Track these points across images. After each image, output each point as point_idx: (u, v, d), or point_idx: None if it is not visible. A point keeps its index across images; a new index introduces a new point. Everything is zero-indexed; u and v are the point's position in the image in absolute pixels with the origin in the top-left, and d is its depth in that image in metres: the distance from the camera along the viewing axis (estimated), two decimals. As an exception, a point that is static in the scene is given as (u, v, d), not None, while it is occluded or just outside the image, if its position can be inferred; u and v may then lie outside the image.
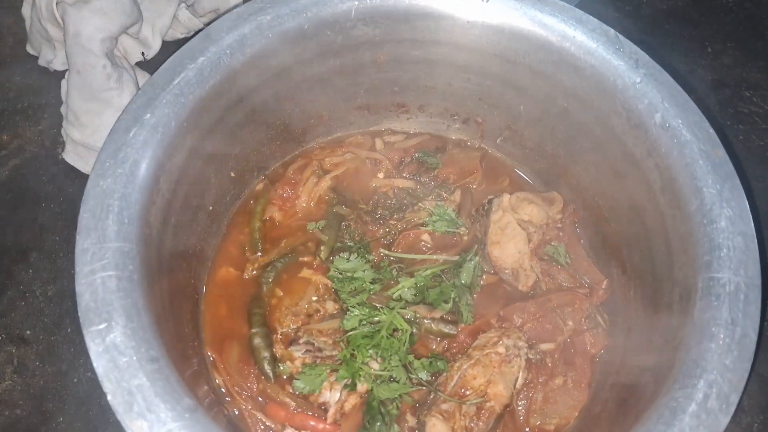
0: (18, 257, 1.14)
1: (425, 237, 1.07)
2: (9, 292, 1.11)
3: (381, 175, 1.14)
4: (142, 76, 1.23)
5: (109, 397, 0.67)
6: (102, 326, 0.69)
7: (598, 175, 0.98)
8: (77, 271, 0.72)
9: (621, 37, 0.89)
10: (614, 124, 0.89)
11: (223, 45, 0.87)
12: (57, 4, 1.13)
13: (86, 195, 0.76)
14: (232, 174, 1.04)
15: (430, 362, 0.94)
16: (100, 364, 0.67)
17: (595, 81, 0.89)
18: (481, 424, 0.89)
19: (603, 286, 0.99)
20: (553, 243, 1.04)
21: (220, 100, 0.89)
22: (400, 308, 0.97)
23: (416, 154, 1.15)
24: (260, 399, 0.95)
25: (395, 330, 0.95)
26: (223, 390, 0.95)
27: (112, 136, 0.79)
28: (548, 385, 0.94)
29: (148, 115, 0.80)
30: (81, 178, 1.18)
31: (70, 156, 1.18)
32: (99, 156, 0.78)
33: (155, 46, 1.25)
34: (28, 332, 1.08)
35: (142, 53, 1.22)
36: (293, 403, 0.93)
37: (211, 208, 1.01)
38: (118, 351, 0.68)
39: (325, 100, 1.08)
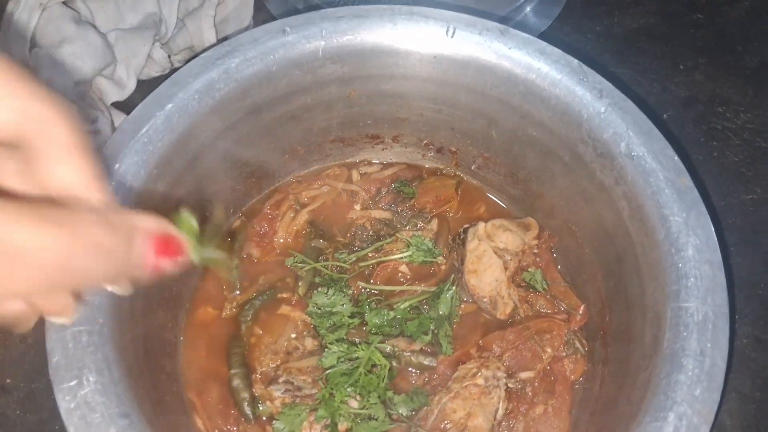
0: (-3, 304, 1.13)
1: (403, 268, 1.07)
2: (-12, 340, 1.10)
3: (358, 207, 1.14)
4: (119, 117, 1.23)
5: (81, 456, 0.67)
6: (73, 383, 0.69)
7: (571, 201, 0.99)
8: (47, 327, 0.72)
9: (585, 66, 0.90)
10: (582, 152, 0.90)
11: (191, 90, 0.87)
12: (30, 50, 1.14)
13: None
14: (207, 214, 1.03)
15: (411, 397, 0.94)
16: (71, 422, 0.67)
17: (561, 111, 0.90)
18: (462, 458, 0.89)
19: (580, 311, 1.00)
20: (530, 269, 1.04)
21: (190, 145, 0.89)
22: (379, 342, 0.97)
23: (393, 184, 1.16)
24: (241, 441, 0.94)
25: (374, 366, 0.95)
26: (204, 432, 0.95)
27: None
28: (529, 415, 0.94)
29: (117, 164, 0.81)
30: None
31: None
32: (67, 208, 0.78)
33: (130, 86, 1.25)
34: (8, 380, 1.07)
35: None
36: (274, 444, 0.93)
37: (187, 249, 1.00)
38: (89, 408, 0.68)
39: (299, 135, 1.08)
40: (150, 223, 0.50)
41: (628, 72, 1.37)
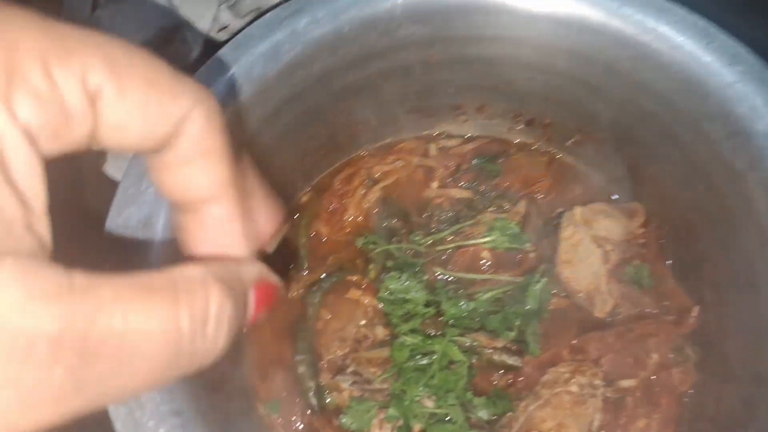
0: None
1: (485, 254, 0.97)
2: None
3: (435, 185, 1.04)
4: (185, 82, 1.18)
5: (128, 456, 0.61)
6: (122, 376, 0.63)
7: (688, 187, 0.85)
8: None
9: (713, 28, 0.75)
10: (708, 130, 0.76)
11: (255, 54, 0.79)
12: (93, 11, 1.09)
13: (109, 223, 0.72)
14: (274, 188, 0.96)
15: (493, 401, 0.84)
16: (118, 419, 0.62)
17: (682, 80, 0.76)
18: (550, 474, 0.79)
19: (693, 314, 0.87)
20: (634, 263, 0.92)
21: (254, 113, 0.82)
22: (458, 335, 0.88)
23: (474, 160, 1.05)
24: (305, 434, 0.88)
25: (451, 362, 0.86)
26: (266, 422, 0.89)
27: (135, 158, 0.74)
28: (629, 429, 0.83)
29: (175, 135, 0.74)
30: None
31: (112, 169, 1.15)
32: (122, 183, 0.73)
33: (196, 50, 1.19)
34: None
35: None
36: (340, 439, 0.86)
37: (252, 226, 0.94)
38: (137, 404, 0.62)
39: (372, 105, 0.98)
40: (255, 273, 0.41)
41: (758, 34, 1.18)
